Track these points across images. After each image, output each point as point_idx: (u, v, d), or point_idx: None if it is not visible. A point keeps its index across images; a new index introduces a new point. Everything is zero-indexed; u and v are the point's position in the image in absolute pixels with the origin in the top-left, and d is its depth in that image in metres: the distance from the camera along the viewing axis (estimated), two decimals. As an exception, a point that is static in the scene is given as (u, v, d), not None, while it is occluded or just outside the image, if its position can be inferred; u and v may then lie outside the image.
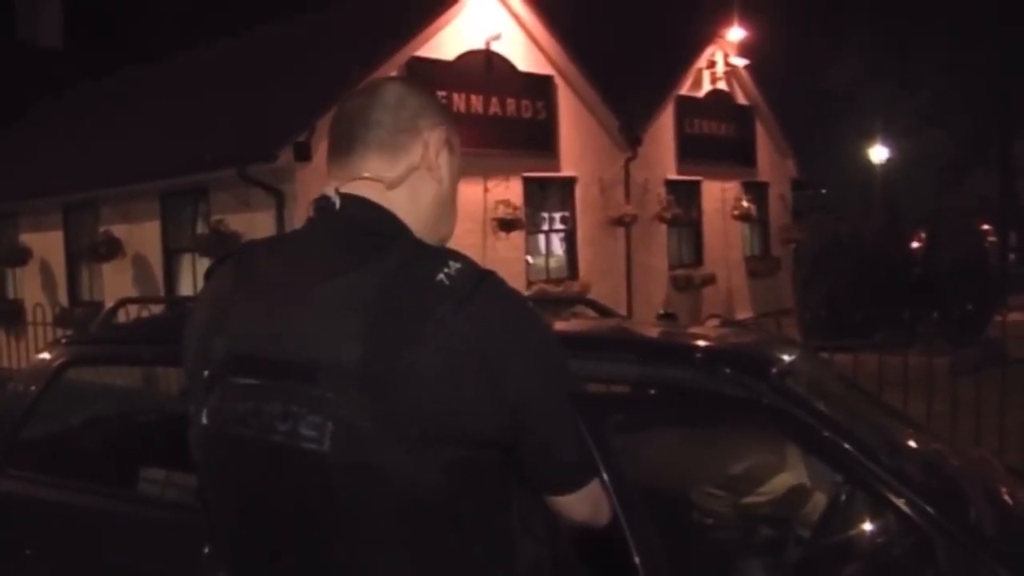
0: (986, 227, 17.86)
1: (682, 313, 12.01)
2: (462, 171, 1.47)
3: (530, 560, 1.31)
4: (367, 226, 1.32)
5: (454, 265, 1.22)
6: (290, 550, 1.24)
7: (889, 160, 23.80)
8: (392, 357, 1.16)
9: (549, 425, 1.28)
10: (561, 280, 12.93)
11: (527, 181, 12.49)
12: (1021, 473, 2.83)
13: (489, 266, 1.27)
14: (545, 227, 13.24)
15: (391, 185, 1.35)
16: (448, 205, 1.44)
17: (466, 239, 10.70)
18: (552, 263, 13.31)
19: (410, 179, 1.37)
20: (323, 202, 1.35)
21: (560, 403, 1.29)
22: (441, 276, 1.21)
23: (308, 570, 1.24)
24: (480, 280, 1.23)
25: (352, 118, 1.38)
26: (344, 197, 1.33)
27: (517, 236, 12.12)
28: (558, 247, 13.48)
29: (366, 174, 1.35)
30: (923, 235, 13.67)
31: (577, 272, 13.27)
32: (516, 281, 10.66)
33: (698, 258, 15.78)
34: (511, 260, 11.75)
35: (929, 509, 1.85)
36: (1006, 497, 2.37)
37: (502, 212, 11.66)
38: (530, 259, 12.76)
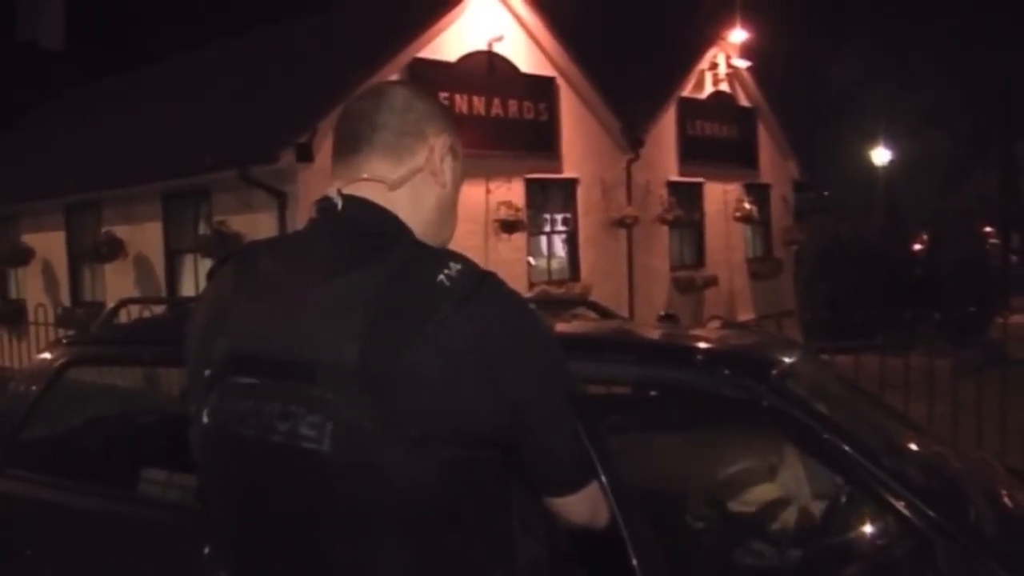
0: (988, 229, 17.86)
1: (684, 315, 12.01)
2: (465, 175, 1.48)
3: (530, 560, 1.31)
4: (368, 227, 1.32)
5: (454, 266, 1.23)
6: (291, 550, 1.24)
7: (891, 161, 23.77)
8: (393, 357, 1.16)
9: (549, 426, 1.28)
10: (563, 282, 12.90)
11: (529, 182, 12.48)
12: (1022, 475, 2.82)
13: (491, 267, 1.27)
14: (547, 228, 13.22)
15: (393, 186, 1.35)
16: (450, 209, 1.44)
17: (468, 240, 10.68)
18: (554, 264, 13.29)
19: (412, 181, 1.37)
20: (325, 203, 1.35)
21: (560, 404, 1.30)
22: (442, 277, 1.21)
23: (309, 570, 1.24)
24: (480, 281, 1.23)
25: (358, 120, 1.38)
26: (346, 198, 1.34)
27: (519, 237, 12.10)
28: (560, 248, 13.46)
29: (366, 175, 1.35)
30: (925, 236, 13.67)
31: (579, 274, 13.25)
32: (518, 283, 10.69)
33: (700, 260, 15.76)
34: (513, 261, 11.74)
35: (929, 511, 1.85)
36: (1006, 499, 2.37)
37: (504, 213, 11.64)
38: (532, 260, 12.74)
